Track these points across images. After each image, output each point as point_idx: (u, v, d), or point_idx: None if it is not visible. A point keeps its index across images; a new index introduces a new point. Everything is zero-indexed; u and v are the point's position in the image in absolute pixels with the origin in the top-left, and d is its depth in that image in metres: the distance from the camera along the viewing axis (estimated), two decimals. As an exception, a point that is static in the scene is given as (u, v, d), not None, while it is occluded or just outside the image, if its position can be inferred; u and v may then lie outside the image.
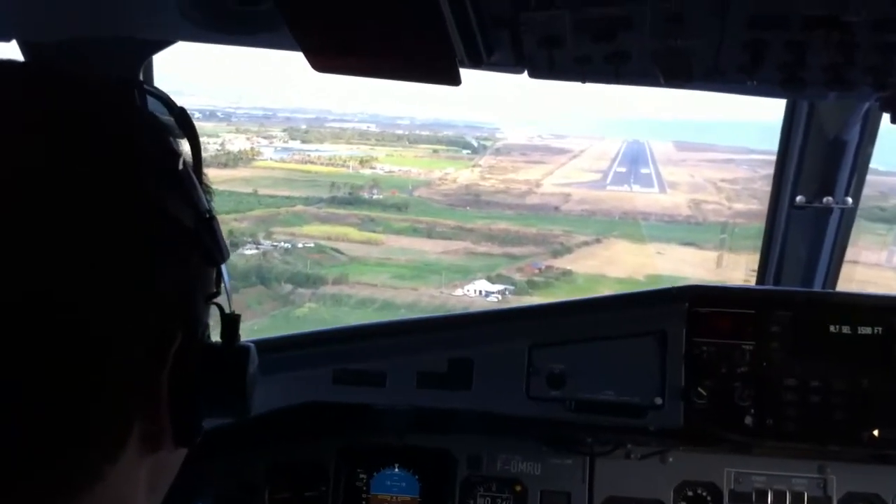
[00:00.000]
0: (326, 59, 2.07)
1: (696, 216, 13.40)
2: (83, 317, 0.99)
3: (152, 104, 1.26)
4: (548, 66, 2.10)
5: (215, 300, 1.25)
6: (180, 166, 1.16)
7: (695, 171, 15.01)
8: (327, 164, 14.82)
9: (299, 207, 13.24)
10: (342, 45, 1.99)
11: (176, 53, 3.10)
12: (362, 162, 14.93)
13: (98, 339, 1.01)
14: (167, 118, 1.24)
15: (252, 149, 13.71)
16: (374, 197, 14.30)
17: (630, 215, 14.07)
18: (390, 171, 15.02)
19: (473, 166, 15.49)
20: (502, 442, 3.56)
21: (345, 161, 14.90)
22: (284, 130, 14.93)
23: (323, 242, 12.32)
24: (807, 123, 3.65)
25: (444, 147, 15.93)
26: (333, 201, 13.72)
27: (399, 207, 14.16)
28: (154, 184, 1.11)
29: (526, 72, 2.22)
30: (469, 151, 15.84)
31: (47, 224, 0.97)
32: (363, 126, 16.05)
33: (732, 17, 1.80)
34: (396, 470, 3.61)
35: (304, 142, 15.09)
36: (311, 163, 14.71)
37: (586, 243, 13.26)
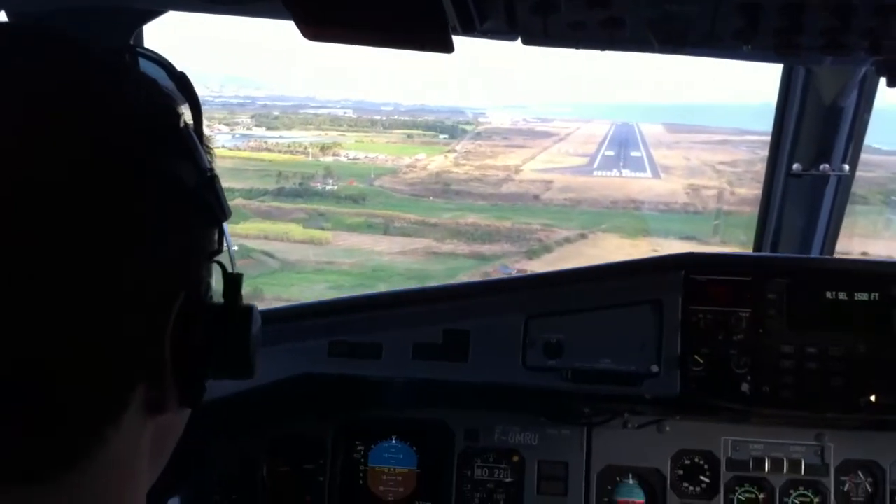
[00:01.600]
0: (317, 27, 2.05)
1: (695, 204, 12.29)
2: (83, 277, 0.99)
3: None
4: (542, 32, 2.08)
5: (217, 259, 1.25)
6: (181, 125, 1.16)
7: (689, 154, 14.08)
8: (285, 152, 13.85)
9: (239, 201, 11.81)
10: (333, 12, 1.97)
11: (163, 37, 3.08)
12: (324, 149, 14.00)
13: (99, 299, 1.00)
14: (167, 83, 1.23)
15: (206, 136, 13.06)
16: (328, 188, 13.26)
17: (620, 204, 12.83)
18: (355, 159, 14.06)
19: (448, 152, 14.43)
20: (499, 413, 3.56)
21: (305, 148, 13.96)
22: (252, 117, 14.08)
23: (254, 244, 11.16)
24: (803, 91, 3.64)
25: (419, 132, 14.98)
26: (280, 193, 12.64)
27: (355, 199, 13.08)
28: (155, 143, 1.11)
29: (520, 38, 2.20)
30: (446, 136, 14.94)
31: (44, 187, 0.97)
32: (340, 112, 15.22)
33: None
34: (394, 442, 3.62)
35: (269, 128, 14.18)
36: (268, 150, 13.70)
37: (569, 240, 11.98)
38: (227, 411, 3.05)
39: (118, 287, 1.02)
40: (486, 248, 11.88)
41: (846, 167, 3.82)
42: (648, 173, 13.68)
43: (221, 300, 1.27)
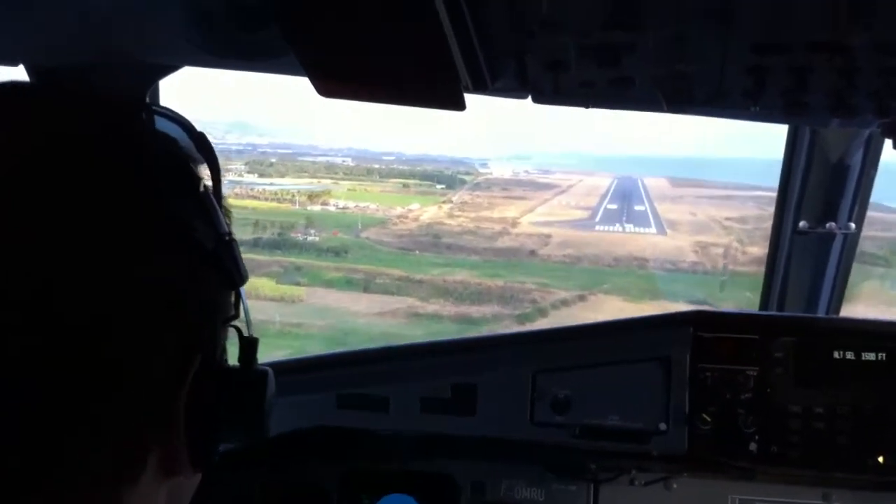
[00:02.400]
0: (332, 84, 2.08)
1: (704, 263, 11.57)
2: (103, 339, 0.99)
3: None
4: (552, 91, 2.11)
5: (233, 323, 1.25)
6: (201, 189, 1.17)
7: (695, 209, 13.41)
8: (271, 200, 13.27)
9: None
10: (348, 70, 2.01)
11: (170, 85, 3.11)
12: (312, 197, 13.46)
13: (117, 362, 1.01)
14: (186, 142, 1.24)
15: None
16: (310, 239, 12.61)
17: (623, 262, 12.01)
18: (344, 208, 13.45)
19: (444, 202, 13.84)
20: (506, 468, 3.54)
21: (292, 196, 13.43)
22: (246, 164, 13.60)
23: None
24: (809, 149, 3.67)
25: (416, 181, 14.50)
26: (256, 244, 11.81)
27: (337, 252, 12.36)
28: (176, 206, 1.12)
29: (530, 97, 2.23)
30: (444, 186, 14.48)
31: (68, 245, 0.98)
32: (338, 160, 14.81)
33: (736, 42, 1.81)
34: (399, 496, 3.60)
35: (261, 175, 13.65)
36: (254, 198, 13.06)
37: (566, 302, 11.22)
38: (232, 461, 3.04)
39: (136, 349, 1.03)
40: (474, 310, 11.21)
41: (852, 225, 3.83)
42: (653, 229, 13.06)
43: (236, 363, 1.27)
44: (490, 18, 1.77)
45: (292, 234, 12.60)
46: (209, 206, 1.17)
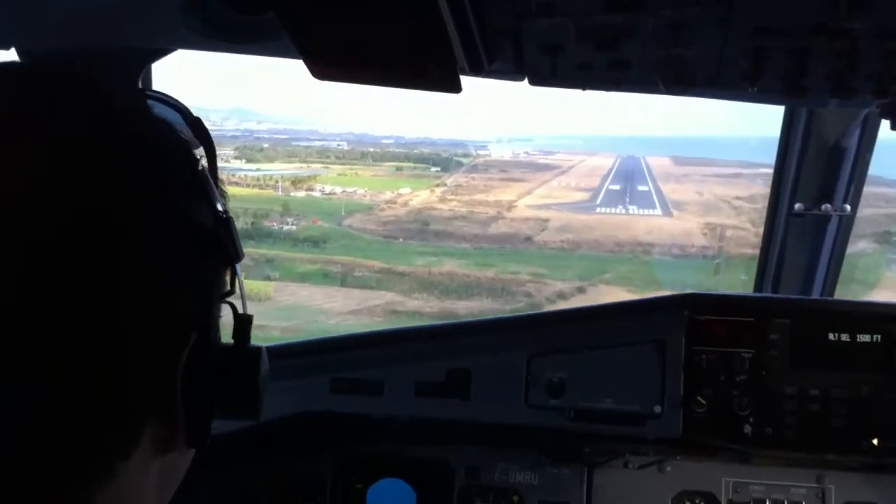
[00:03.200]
0: (327, 66, 2.06)
1: (716, 247, 10.54)
2: (100, 317, 0.99)
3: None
4: (549, 73, 2.10)
5: (228, 300, 1.27)
6: (199, 169, 1.19)
7: (701, 188, 12.59)
8: (253, 186, 12.64)
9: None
10: (343, 52, 1.98)
11: (172, 68, 3.09)
12: (296, 182, 12.91)
13: (114, 340, 1.01)
14: (182, 126, 1.25)
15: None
16: (286, 227, 11.95)
17: (627, 248, 11.09)
18: (330, 193, 12.79)
19: (437, 186, 13.19)
20: (500, 452, 3.54)
21: (276, 182, 12.85)
22: (236, 149, 13.08)
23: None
24: (805, 130, 3.66)
25: (411, 164, 13.98)
26: None
27: (315, 242, 11.71)
28: (173, 185, 1.13)
29: (527, 79, 2.21)
30: (439, 169, 13.94)
31: (63, 227, 0.98)
32: (333, 144, 14.30)
33: (734, 25, 1.79)
34: (394, 480, 3.60)
35: (249, 161, 13.14)
36: (236, 184, 12.28)
37: (563, 295, 10.32)
38: (226, 448, 3.03)
39: (133, 326, 1.03)
40: (461, 306, 10.46)
41: (848, 207, 3.83)
42: (659, 210, 12.34)
43: (230, 341, 1.28)
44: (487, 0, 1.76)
45: (267, 223, 12.01)
46: (207, 186, 1.19)
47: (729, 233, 10.60)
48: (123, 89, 1.20)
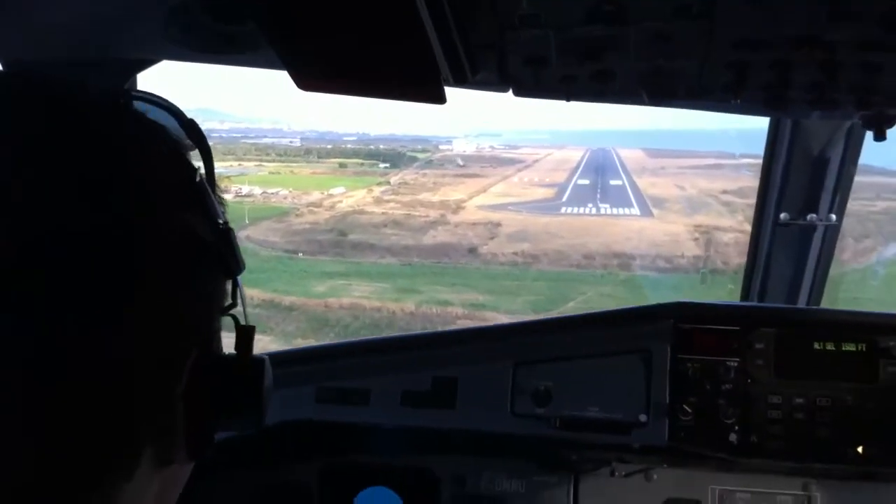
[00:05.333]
0: (311, 77, 2.07)
1: (712, 256, 8.51)
2: (100, 333, 0.98)
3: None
4: (533, 84, 2.11)
5: (230, 312, 1.25)
6: (197, 179, 1.16)
7: (682, 181, 11.22)
8: None
9: None
10: (327, 64, 1.99)
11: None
12: None
13: (115, 355, 1.00)
14: (177, 130, 1.22)
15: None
16: None
17: (599, 261, 9.02)
18: (246, 195, 11.81)
19: (379, 184, 12.14)
20: (487, 461, 3.54)
21: None
22: None
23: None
24: (790, 141, 3.67)
25: (358, 161, 13.14)
26: None
27: None
28: (170, 195, 1.11)
29: (511, 90, 2.22)
30: (388, 165, 13.23)
31: (54, 239, 0.96)
32: (285, 141, 13.64)
33: (717, 37, 1.80)
34: (380, 489, 3.59)
35: None
36: None
37: None
38: (212, 457, 3.03)
39: (131, 344, 1.01)
40: None
41: (833, 217, 3.85)
42: (636, 209, 10.79)
43: (232, 352, 1.26)
44: (470, 11, 1.76)
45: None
46: (205, 196, 1.16)
47: (726, 238, 8.74)
48: (111, 93, 1.18)
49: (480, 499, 3.54)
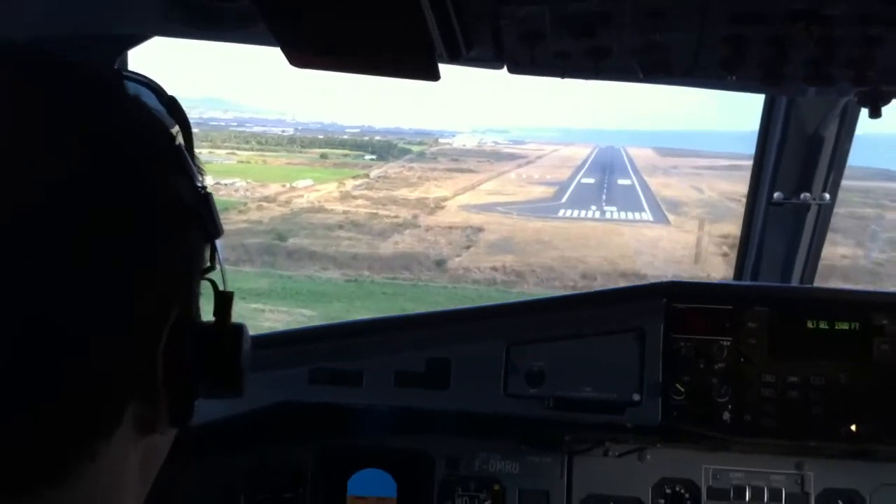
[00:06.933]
0: (304, 54, 2.05)
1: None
2: (79, 294, 0.98)
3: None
4: (528, 61, 2.09)
5: (208, 276, 1.26)
6: (176, 143, 1.19)
7: (699, 182, 9.68)
8: None
9: None
10: (320, 40, 1.97)
11: (152, 57, 3.06)
12: None
13: (94, 317, 1.00)
14: (156, 105, 1.25)
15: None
16: None
17: (598, 283, 7.07)
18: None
19: (355, 177, 11.08)
20: (480, 442, 3.54)
21: None
22: None
23: None
24: (785, 119, 3.67)
25: (343, 151, 12.40)
26: None
27: None
28: (151, 160, 1.12)
29: (505, 66, 2.20)
30: (374, 157, 12.42)
31: (42, 204, 0.96)
32: (277, 130, 13.22)
33: (713, 12, 1.79)
34: (374, 471, 3.59)
35: None
36: None
37: None
38: (205, 439, 3.02)
39: (113, 302, 1.02)
40: None
41: (827, 196, 3.85)
42: (648, 214, 9.19)
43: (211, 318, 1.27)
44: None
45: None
46: (184, 161, 1.18)
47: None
48: (97, 68, 1.19)
49: (475, 479, 3.54)
